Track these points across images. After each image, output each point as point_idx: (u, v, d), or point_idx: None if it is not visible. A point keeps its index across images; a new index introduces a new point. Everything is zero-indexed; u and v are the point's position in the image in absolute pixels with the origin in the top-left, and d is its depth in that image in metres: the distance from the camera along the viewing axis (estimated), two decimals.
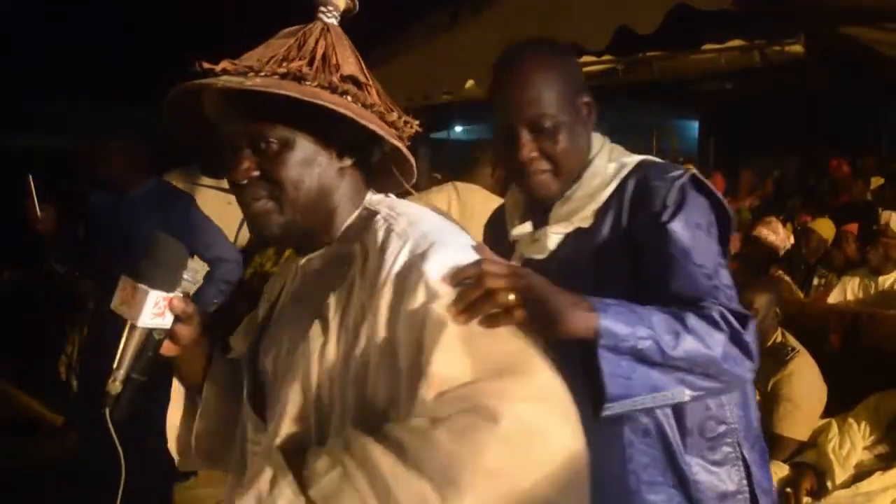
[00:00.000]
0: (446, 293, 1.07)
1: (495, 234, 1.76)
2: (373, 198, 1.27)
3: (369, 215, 1.23)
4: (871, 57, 4.05)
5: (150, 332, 1.20)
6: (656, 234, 1.42)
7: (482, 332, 1.07)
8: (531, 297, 1.12)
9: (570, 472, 1.02)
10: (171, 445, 1.38)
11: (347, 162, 1.22)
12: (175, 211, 3.69)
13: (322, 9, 1.21)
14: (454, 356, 1.04)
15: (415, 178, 1.29)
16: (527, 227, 1.62)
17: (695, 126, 14.36)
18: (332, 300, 1.15)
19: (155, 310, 1.18)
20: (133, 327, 1.19)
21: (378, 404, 1.10)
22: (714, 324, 1.29)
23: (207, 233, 3.74)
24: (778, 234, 5.63)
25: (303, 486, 1.06)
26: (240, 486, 1.28)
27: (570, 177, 1.54)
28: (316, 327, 1.15)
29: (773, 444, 2.96)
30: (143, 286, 1.17)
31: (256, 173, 1.16)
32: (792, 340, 3.28)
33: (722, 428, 1.50)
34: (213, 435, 1.37)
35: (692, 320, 1.28)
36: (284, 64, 1.14)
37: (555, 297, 1.17)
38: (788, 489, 2.93)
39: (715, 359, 1.27)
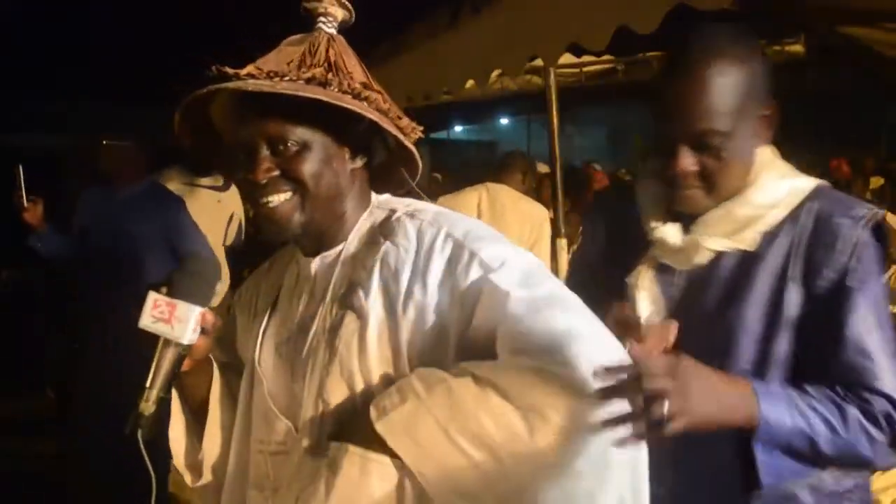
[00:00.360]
0: (502, 266, 1.14)
1: (613, 217, 1.60)
2: (379, 198, 1.33)
3: (387, 213, 1.28)
4: (871, 57, 4.05)
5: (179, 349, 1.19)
6: (840, 298, 1.28)
7: (545, 298, 1.13)
8: (691, 391, 1.10)
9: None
10: (179, 462, 1.37)
11: (359, 163, 1.26)
12: (168, 213, 3.74)
13: (322, 19, 1.25)
14: (524, 320, 1.10)
15: (418, 178, 1.33)
16: (674, 231, 1.42)
17: None
18: (361, 292, 1.20)
19: (195, 326, 1.17)
20: (167, 345, 1.17)
21: None
22: (876, 424, 1.24)
23: (195, 239, 3.78)
24: None
25: (369, 436, 1.10)
26: (241, 492, 1.30)
27: (724, 195, 1.38)
28: (350, 320, 1.20)
29: None
30: (184, 303, 1.16)
31: (276, 172, 1.19)
32: None
33: (850, 483, 1.40)
34: (223, 446, 1.37)
35: (853, 416, 1.24)
36: (303, 69, 1.18)
37: (717, 390, 1.16)
38: None
39: (866, 458, 1.26)
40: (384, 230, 1.25)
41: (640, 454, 1.07)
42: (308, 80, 1.17)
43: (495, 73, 3.84)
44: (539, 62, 3.46)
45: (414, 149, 1.26)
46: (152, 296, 1.17)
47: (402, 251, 1.20)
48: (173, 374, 1.19)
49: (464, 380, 1.07)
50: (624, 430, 1.01)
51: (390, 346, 1.17)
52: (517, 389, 1.04)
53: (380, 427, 1.08)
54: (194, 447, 1.36)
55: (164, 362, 1.17)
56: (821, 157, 8.99)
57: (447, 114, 10.12)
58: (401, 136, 1.23)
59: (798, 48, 6.71)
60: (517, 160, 4.29)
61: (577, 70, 7.14)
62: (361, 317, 1.18)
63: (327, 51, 1.21)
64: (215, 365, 1.35)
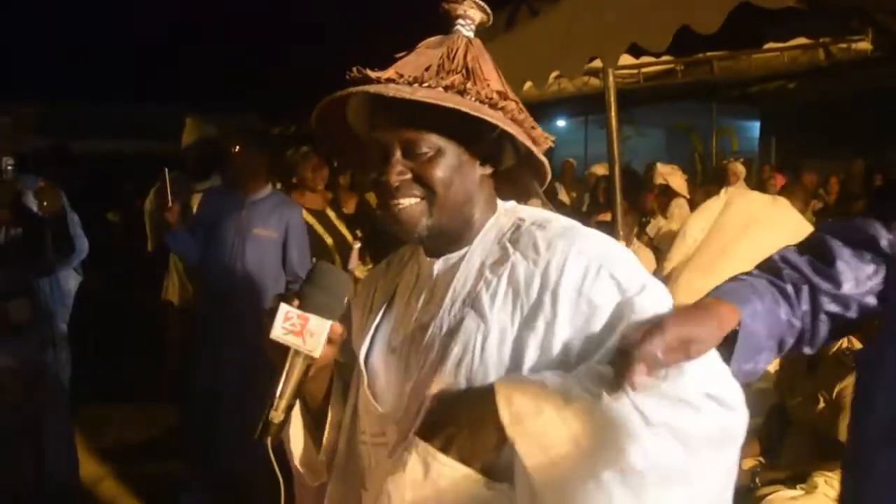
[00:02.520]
0: (642, 291, 1.15)
1: None
2: (505, 205, 1.32)
3: (513, 221, 1.28)
4: None
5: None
6: None
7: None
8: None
9: None
10: (297, 462, 1.38)
11: (488, 170, 1.27)
12: (290, 220, 3.91)
13: (461, 21, 1.25)
14: None
15: (545, 186, 1.32)
16: None
17: (756, 126, 14.08)
18: (486, 298, 1.20)
19: (325, 338, 1.18)
20: (297, 356, 1.18)
21: None
22: None
23: (306, 250, 3.91)
24: None
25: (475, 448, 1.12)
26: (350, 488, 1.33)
27: None
28: (470, 323, 1.20)
29: (839, 452, 2.89)
30: (316, 316, 1.17)
31: (408, 176, 1.20)
32: (858, 346, 3.18)
33: None
34: (337, 445, 1.38)
35: None
36: (441, 75, 1.18)
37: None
38: None
39: None
40: (512, 238, 1.25)
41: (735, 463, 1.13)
42: (446, 88, 1.17)
43: (553, 74, 3.83)
44: (597, 63, 3.43)
45: (545, 160, 1.25)
46: (284, 308, 1.17)
47: (531, 263, 1.19)
48: (301, 384, 1.20)
49: (603, 397, 1.06)
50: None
51: (511, 355, 1.16)
52: (654, 410, 1.05)
53: (511, 431, 1.08)
54: (312, 448, 1.38)
55: (293, 373, 1.18)
56: (888, 158, 8.72)
57: None
58: (534, 148, 1.23)
59: (865, 45, 6.52)
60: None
61: (635, 71, 7.07)
62: (485, 322, 1.18)
63: (465, 56, 1.22)
64: (334, 367, 1.36)
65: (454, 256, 1.28)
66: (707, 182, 8.74)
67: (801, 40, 6.93)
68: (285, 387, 1.18)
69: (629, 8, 2.63)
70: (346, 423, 1.35)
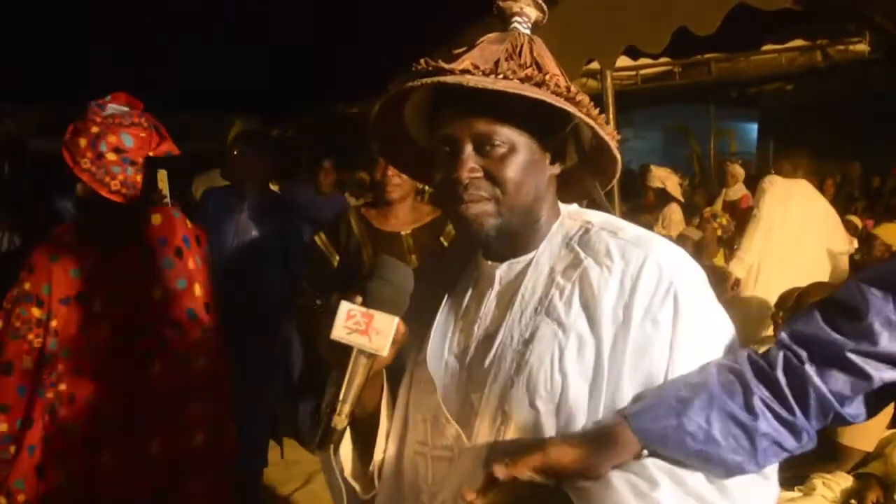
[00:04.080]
0: (690, 317, 1.12)
1: None
2: (568, 208, 1.27)
3: (580, 224, 1.23)
4: None
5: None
6: None
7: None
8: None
9: None
10: (348, 475, 1.29)
11: (556, 169, 1.22)
12: (287, 221, 3.93)
13: (517, 19, 1.21)
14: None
15: (610, 185, 1.28)
16: None
17: (754, 128, 14.10)
18: (561, 304, 1.15)
19: (393, 336, 1.10)
20: (361, 356, 1.10)
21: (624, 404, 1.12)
22: None
23: (300, 250, 3.91)
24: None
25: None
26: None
27: None
28: (546, 332, 1.15)
29: (837, 454, 2.89)
30: (382, 313, 1.09)
31: (480, 174, 1.14)
32: None
33: None
34: (387, 453, 1.30)
35: None
36: (513, 68, 1.13)
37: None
38: (853, 501, 2.86)
39: None
40: (581, 242, 1.20)
41: None
42: (523, 80, 1.12)
43: None
44: (594, 65, 3.42)
45: (619, 157, 1.20)
46: (345, 306, 1.09)
47: (605, 270, 1.14)
48: (364, 387, 1.12)
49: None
50: None
51: (593, 364, 1.12)
52: None
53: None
54: (362, 459, 1.29)
55: (356, 375, 1.10)
56: (886, 160, 8.74)
57: None
58: (613, 144, 1.18)
59: (863, 47, 6.54)
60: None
61: (633, 73, 7.08)
62: (562, 329, 1.14)
63: (531, 51, 1.17)
64: (383, 372, 1.27)
65: (520, 262, 1.22)
66: (705, 183, 8.76)
67: (799, 42, 6.94)
68: (349, 390, 1.09)
69: (626, 9, 2.62)
70: (395, 432, 1.28)
